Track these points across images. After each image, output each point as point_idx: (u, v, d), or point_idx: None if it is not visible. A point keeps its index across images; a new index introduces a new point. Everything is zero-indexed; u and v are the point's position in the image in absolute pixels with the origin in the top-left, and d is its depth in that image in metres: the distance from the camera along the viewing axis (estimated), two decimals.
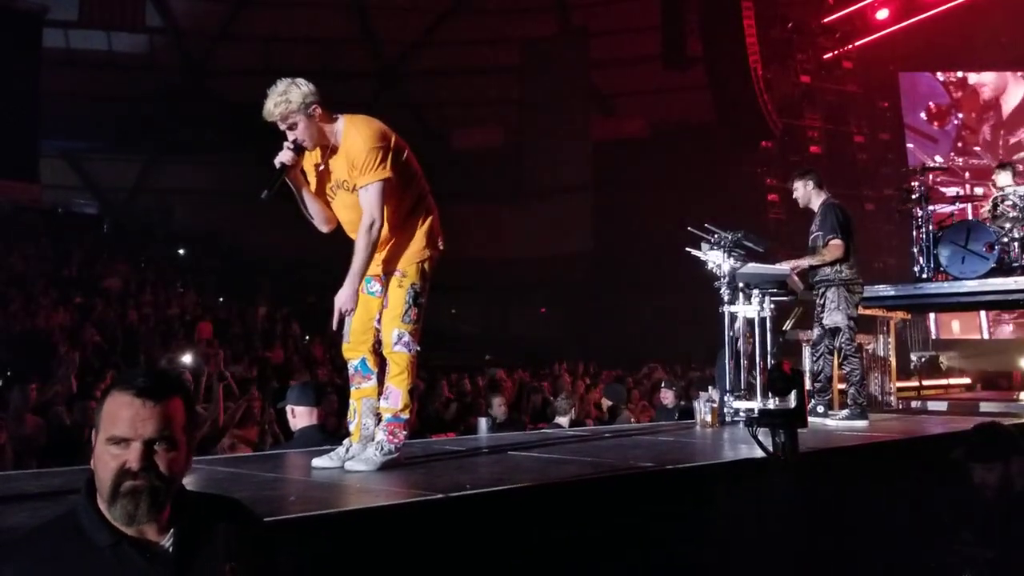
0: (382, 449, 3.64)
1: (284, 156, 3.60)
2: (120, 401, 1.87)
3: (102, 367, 10.93)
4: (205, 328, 13.88)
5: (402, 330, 3.68)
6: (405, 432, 3.73)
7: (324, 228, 3.82)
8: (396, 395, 3.69)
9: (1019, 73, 20.10)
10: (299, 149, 3.62)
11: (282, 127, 3.61)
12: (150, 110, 22.42)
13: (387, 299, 3.72)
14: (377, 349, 3.78)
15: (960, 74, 20.81)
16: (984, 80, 20.26)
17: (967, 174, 9.83)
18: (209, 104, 22.79)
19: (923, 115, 20.14)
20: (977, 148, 19.28)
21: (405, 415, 3.71)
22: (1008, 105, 19.95)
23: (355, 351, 3.82)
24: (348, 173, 3.63)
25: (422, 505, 2.89)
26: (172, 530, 1.91)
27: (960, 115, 20.10)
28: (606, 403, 8.85)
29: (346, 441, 3.80)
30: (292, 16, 23.15)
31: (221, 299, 17.91)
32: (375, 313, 3.76)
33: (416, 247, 3.74)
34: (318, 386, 5.05)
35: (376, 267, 3.70)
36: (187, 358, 9.91)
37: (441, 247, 3.83)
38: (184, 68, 23.92)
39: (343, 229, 3.82)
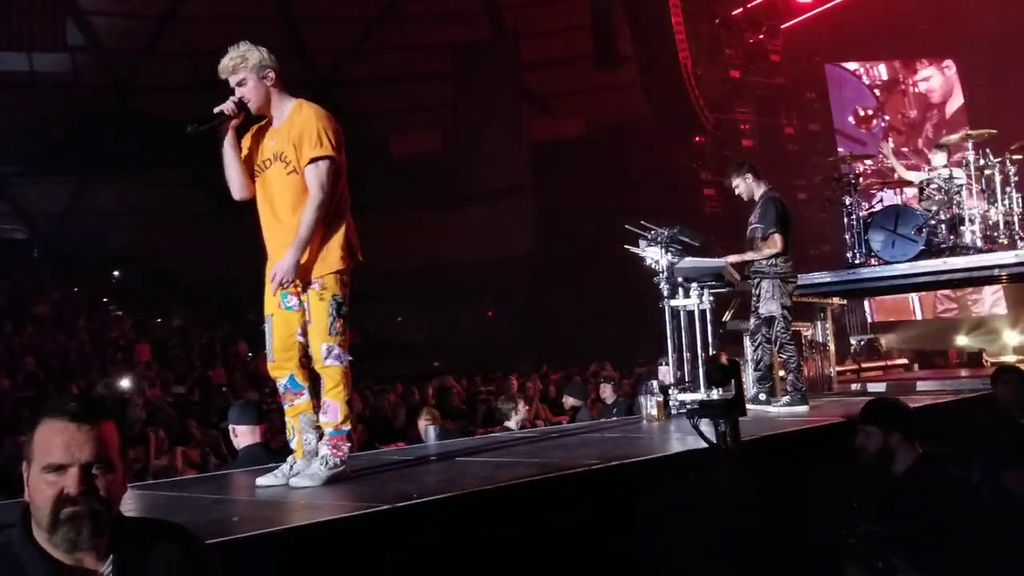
0: (327, 463, 3.60)
1: (225, 106, 3.63)
2: (53, 427, 1.84)
3: (37, 396, 10.66)
4: (143, 350, 13.63)
5: (331, 343, 3.61)
6: (349, 444, 3.70)
7: (237, 194, 3.76)
8: (334, 408, 3.65)
9: (948, 66, 20.83)
10: (242, 106, 3.65)
11: (232, 82, 3.65)
12: (77, 131, 21.87)
13: (309, 314, 3.65)
14: (305, 363, 3.72)
15: (885, 76, 21.45)
16: (933, 86, 20.92)
17: (896, 175, 10.17)
18: (138, 122, 22.31)
19: (851, 119, 20.74)
20: (905, 149, 19.90)
21: (347, 427, 3.67)
22: (952, 106, 20.67)
23: (281, 369, 3.75)
24: (292, 146, 3.60)
25: (369, 517, 2.87)
26: (111, 557, 1.87)
27: (887, 117, 20.73)
28: (569, 402, 8.86)
29: (290, 458, 3.75)
30: (220, 30, 22.68)
31: (159, 320, 17.58)
32: (296, 328, 3.69)
33: (333, 257, 3.65)
34: (259, 404, 5.00)
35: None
36: (124, 382, 9.72)
37: (360, 257, 3.77)
38: (110, 86, 23.38)
39: (259, 216, 3.75)
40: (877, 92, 21.30)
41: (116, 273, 21.66)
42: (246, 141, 3.78)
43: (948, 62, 21.28)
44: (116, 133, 21.47)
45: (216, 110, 3.62)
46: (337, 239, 3.67)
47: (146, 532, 1.97)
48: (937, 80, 21.24)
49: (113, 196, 23.41)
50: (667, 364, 8.58)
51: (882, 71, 21.71)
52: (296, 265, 3.53)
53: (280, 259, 3.57)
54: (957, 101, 20.78)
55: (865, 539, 3.59)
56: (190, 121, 3.64)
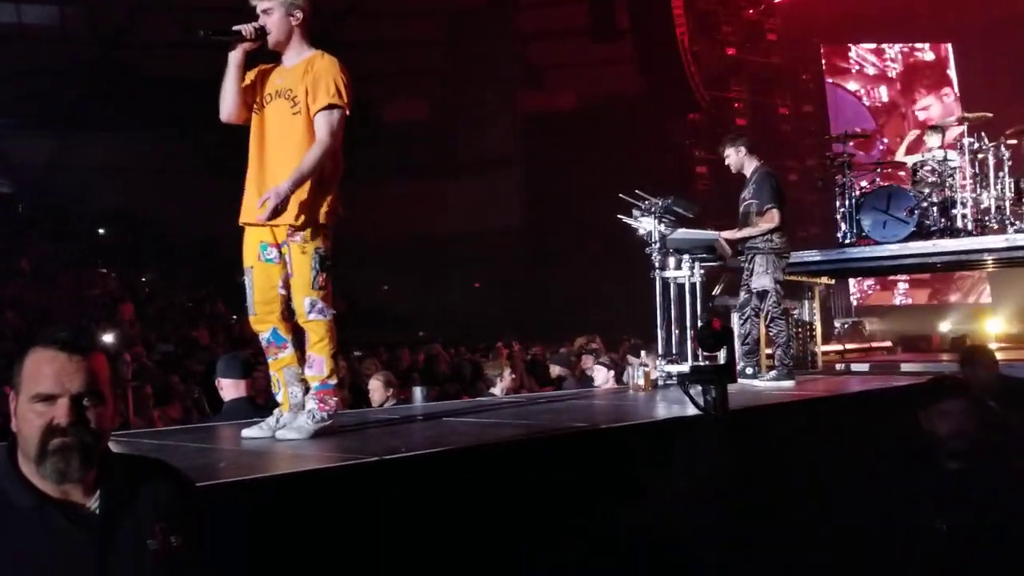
0: (314, 417, 3.57)
1: (244, 27, 3.57)
2: (43, 357, 1.80)
3: (18, 352, 10.58)
4: (127, 309, 13.55)
5: (314, 297, 3.57)
6: (336, 399, 3.67)
7: (225, 115, 3.67)
8: (320, 362, 3.62)
9: (947, 94, 20.78)
10: (261, 34, 3.59)
11: (258, 9, 3.60)
12: (64, 85, 21.57)
13: (291, 267, 3.59)
14: (287, 316, 3.67)
15: (886, 98, 21.31)
16: (932, 115, 20.90)
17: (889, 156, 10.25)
18: (127, 79, 22.02)
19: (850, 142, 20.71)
20: (902, 174, 19.93)
21: (333, 380, 3.64)
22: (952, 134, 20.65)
23: (263, 323, 3.70)
24: (304, 89, 3.56)
25: (356, 468, 2.85)
26: (99, 491, 1.84)
27: (885, 140, 20.63)
28: (555, 371, 8.87)
29: (276, 411, 3.72)
30: None
31: (144, 279, 17.47)
32: (276, 281, 3.64)
33: (319, 210, 3.59)
34: (246, 358, 4.95)
35: (275, 229, 3.57)
36: (108, 338, 9.65)
37: (342, 212, 3.70)
38: (99, 41, 23.04)
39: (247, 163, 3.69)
40: (878, 115, 21.20)
41: (101, 231, 21.45)
42: (251, 74, 3.71)
43: (946, 90, 21.26)
44: (104, 88, 21.19)
45: (235, 28, 3.55)
46: (325, 194, 3.62)
47: (134, 468, 1.94)
48: (936, 109, 21.18)
49: (100, 152, 23.14)
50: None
51: (883, 92, 21.61)
52: (290, 195, 3.44)
53: (274, 186, 3.46)
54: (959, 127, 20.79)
55: (928, 533, 3.40)
56: (205, 30, 3.56)
